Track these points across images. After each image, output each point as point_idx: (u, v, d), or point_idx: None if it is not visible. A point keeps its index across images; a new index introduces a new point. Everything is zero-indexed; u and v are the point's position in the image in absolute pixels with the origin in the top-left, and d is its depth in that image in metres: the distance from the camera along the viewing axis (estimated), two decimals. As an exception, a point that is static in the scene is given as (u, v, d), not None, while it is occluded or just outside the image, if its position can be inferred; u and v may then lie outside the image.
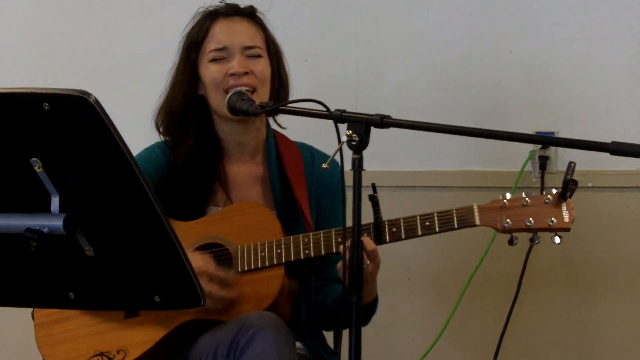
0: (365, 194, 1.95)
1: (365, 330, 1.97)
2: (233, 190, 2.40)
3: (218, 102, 2.31)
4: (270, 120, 2.48)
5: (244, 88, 2.28)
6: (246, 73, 2.29)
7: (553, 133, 2.96)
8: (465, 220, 2.09)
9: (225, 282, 2.19)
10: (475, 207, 2.09)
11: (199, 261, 2.15)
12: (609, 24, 2.94)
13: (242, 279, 2.22)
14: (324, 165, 1.93)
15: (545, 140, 2.70)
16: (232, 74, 2.29)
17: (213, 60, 2.32)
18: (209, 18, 2.37)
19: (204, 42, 2.34)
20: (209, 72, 2.32)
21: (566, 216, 2.04)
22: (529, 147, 2.97)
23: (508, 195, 2.08)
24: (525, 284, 2.98)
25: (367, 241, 2.06)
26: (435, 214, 2.10)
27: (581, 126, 2.95)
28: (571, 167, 1.99)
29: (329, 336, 2.46)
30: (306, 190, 2.38)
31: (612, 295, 2.97)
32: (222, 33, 2.33)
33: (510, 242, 2.06)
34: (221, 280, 2.18)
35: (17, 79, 3.37)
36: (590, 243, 2.95)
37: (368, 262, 2.05)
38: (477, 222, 2.08)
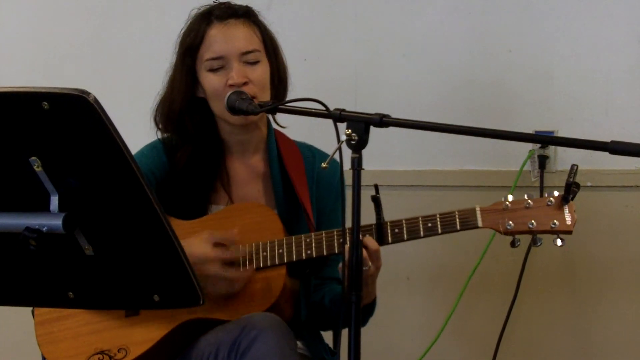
0: (365, 193, 1.95)
1: (365, 330, 1.97)
2: (234, 188, 2.40)
3: (220, 109, 2.30)
4: (270, 118, 2.48)
5: None
6: (245, 83, 2.28)
7: (552, 132, 2.96)
8: (467, 222, 2.08)
9: (236, 262, 2.21)
10: (477, 209, 2.08)
11: (207, 249, 2.16)
12: (609, 24, 2.94)
13: None
14: (323, 164, 1.91)
15: (545, 139, 2.69)
16: (232, 85, 2.28)
17: (211, 69, 2.30)
18: (204, 22, 2.33)
19: (200, 48, 2.32)
20: (208, 82, 2.31)
21: (568, 219, 2.03)
22: (528, 147, 2.97)
23: (510, 197, 2.08)
24: (525, 283, 2.98)
25: (371, 241, 2.05)
26: (438, 216, 2.09)
27: (580, 125, 2.94)
28: (574, 170, 1.98)
29: (327, 336, 2.46)
30: (308, 189, 2.38)
31: (611, 294, 2.97)
32: (218, 41, 2.30)
33: (513, 244, 2.05)
34: (232, 262, 2.21)
35: (17, 78, 3.37)
36: (590, 242, 2.95)
37: (370, 264, 2.05)
38: (480, 224, 2.07)
